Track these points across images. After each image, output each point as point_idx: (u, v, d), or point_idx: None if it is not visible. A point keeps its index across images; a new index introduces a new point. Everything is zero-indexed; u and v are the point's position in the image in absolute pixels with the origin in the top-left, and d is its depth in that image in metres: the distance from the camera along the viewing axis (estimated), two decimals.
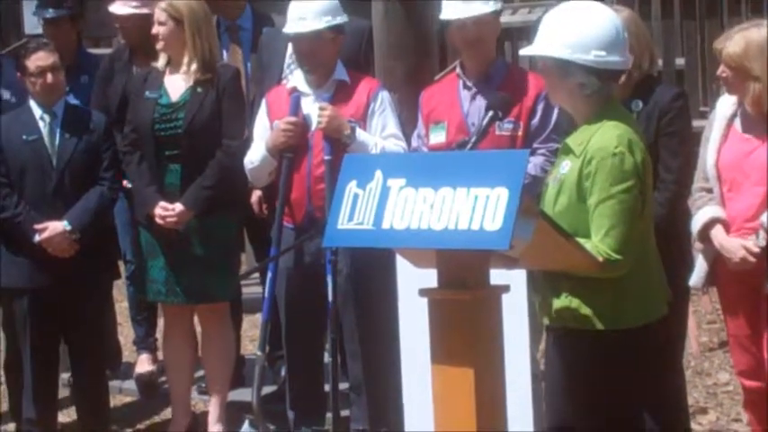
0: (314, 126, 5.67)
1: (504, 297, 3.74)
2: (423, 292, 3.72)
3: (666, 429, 5.19)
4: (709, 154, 4.93)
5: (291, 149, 5.69)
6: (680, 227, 4.99)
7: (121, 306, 7.62)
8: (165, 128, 6.09)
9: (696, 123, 5.34)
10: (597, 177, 3.92)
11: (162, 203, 6.04)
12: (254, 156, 5.82)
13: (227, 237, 6.19)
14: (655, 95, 5.02)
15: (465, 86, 5.52)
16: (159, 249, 6.18)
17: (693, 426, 5.88)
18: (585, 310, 3.94)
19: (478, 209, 3.44)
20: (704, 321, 7.61)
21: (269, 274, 5.79)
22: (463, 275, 3.62)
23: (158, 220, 6.05)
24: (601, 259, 3.84)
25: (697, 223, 4.89)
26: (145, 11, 6.72)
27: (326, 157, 5.57)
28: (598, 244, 3.87)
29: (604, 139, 3.96)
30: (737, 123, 4.95)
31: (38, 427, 6.27)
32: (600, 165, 3.92)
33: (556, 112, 5.28)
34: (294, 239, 5.59)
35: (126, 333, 7.71)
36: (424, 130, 5.60)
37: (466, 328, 3.60)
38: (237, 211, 6.28)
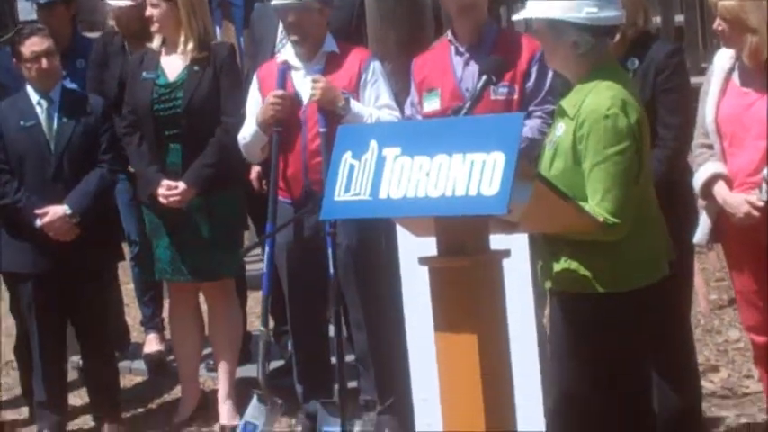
0: (306, 100, 5.65)
1: (507, 262, 3.71)
2: (423, 261, 3.70)
3: (676, 389, 5.18)
4: (708, 109, 4.87)
5: (281, 123, 5.66)
6: (683, 184, 4.95)
7: (128, 287, 7.63)
8: (164, 108, 6.08)
9: (697, 80, 5.28)
10: (590, 140, 3.89)
11: (165, 182, 6.03)
12: (246, 131, 5.79)
13: (229, 213, 6.18)
14: (650, 52, 4.97)
15: (457, 52, 5.47)
16: (163, 229, 6.19)
17: (705, 384, 5.88)
18: (585, 274, 3.92)
19: (475, 174, 3.42)
20: (713, 279, 7.57)
21: (267, 250, 5.78)
22: (462, 242, 3.60)
23: (162, 200, 6.04)
24: (601, 219, 3.81)
25: (699, 180, 4.83)
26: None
27: (322, 130, 5.54)
28: (595, 208, 3.84)
29: (597, 100, 3.93)
30: (736, 77, 4.89)
31: (49, 410, 6.29)
32: (593, 127, 3.89)
33: (551, 73, 5.23)
34: (293, 215, 5.57)
35: (134, 314, 7.71)
36: (417, 99, 5.56)
37: (467, 294, 3.58)
38: (238, 188, 6.28)
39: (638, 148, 3.92)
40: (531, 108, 5.34)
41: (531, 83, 5.39)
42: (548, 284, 4.10)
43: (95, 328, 6.36)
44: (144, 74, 6.14)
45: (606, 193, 3.85)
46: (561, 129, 4.01)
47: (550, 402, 4.28)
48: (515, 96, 5.35)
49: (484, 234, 3.63)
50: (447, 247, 3.64)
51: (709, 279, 7.53)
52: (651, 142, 4.37)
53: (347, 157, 3.73)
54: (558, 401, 4.17)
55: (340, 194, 3.71)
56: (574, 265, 3.94)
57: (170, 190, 6.03)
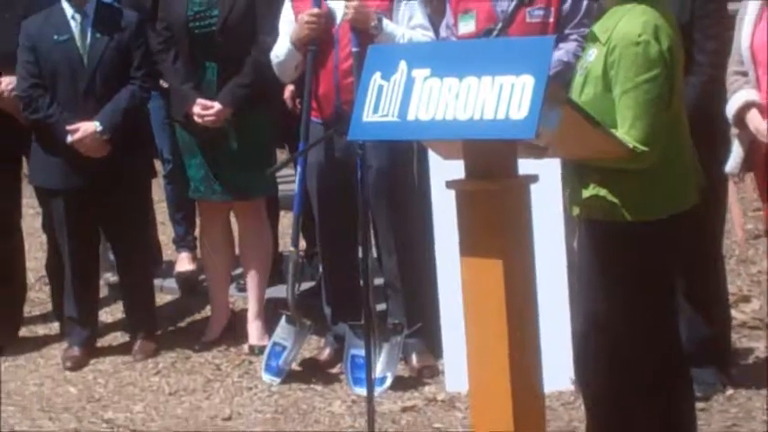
0: (339, 18, 5.59)
1: (538, 188, 3.67)
2: (450, 184, 3.66)
3: (705, 318, 5.16)
4: (743, 36, 4.76)
5: (315, 42, 5.61)
6: (717, 111, 4.87)
7: (161, 206, 7.64)
8: (200, 25, 6.04)
9: (734, 6, 5.18)
10: (621, 66, 3.81)
11: (200, 101, 6.01)
12: (280, 50, 5.75)
13: (262, 133, 6.16)
14: None
15: None
16: (196, 147, 6.19)
17: (735, 314, 5.84)
18: (613, 201, 3.87)
19: (504, 97, 3.35)
20: (750, 209, 7.46)
21: (298, 170, 5.76)
22: (490, 165, 3.55)
23: (196, 118, 6.02)
24: (631, 145, 3.75)
25: (732, 108, 4.74)
26: None
27: (354, 50, 5.49)
28: (624, 135, 3.78)
29: (629, 25, 3.84)
30: None
31: (79, 326, 6.34)
32: (623, 53, 3.81)
33: None
34: (323, 134, 5.54)
35: (168, 233, 7.73)
36: (452, 20, 5.51)
37: (494, 218, 3.54)
38: (273, 107, 6.25)
39: (669, 75, 3.84)
40: (566, 31, 5.30)
41: (567, 5, 5.33)
42: (575, 211, 4.05)
43: (131, 244, 6.39)
44: None
45: (635, 120, 3.79)
46: (593, 54, 3.93)
47: (577, 327, 4.26)
48: (551, 19, 5.30)
49: (512, 158, 3.58)
50: (474, 170, 3.60)
51: (747, 209, 7.43)
52: (687, 68, 4.30)
53: (376, 78, 3.67)
54: (584, 327, 4.14)
55: (368, 115, 3.66)
56: (602, 192, 3.88)
57: (205, 109, 6.00)
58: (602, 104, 3.84)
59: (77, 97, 6.08)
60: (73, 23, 6.12)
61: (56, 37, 6.10)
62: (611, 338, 4.04)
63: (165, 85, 6.40)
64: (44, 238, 6.98)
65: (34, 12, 6.26)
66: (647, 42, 3.80)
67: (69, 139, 6.01)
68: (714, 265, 5.26)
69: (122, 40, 6.16)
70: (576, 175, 4.00)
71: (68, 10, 6.14)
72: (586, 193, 3.93)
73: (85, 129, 6.01)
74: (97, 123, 6.02)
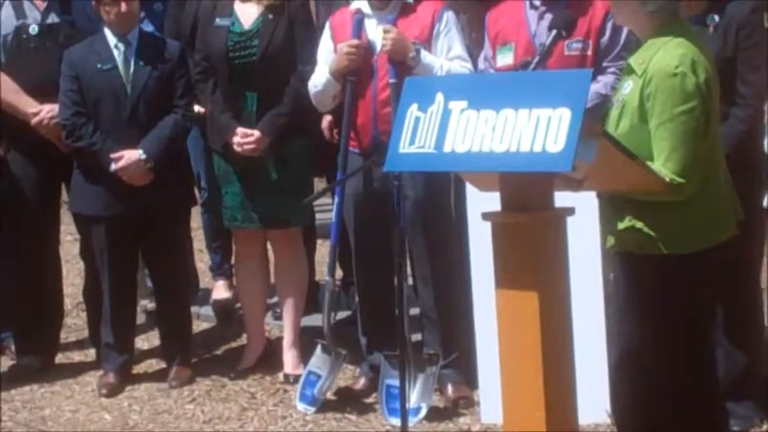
0: (378, 49, 5.62)
1: (575, 220, 3.68)
2: (486, 216, 3.67)
3: (743, 352, 5.12)
4: None
5: (354, 72, 5.64)
6: (758, 143, 4.87)
7: (198, 233, 7.68)
8: (240, 56, 6.07)
9: None
10: (657, 98, 3.82)
11: (241, 130, 6.04)
12: (318, 79, 5.78)
13: (301, 162, 6.17)
14: (729, 9, 4.90)
15: (532, 6, 5.42)
16: (233, 175, 6.22)
17: None
18: (649, 234, 3.87)
19: (541, 130, 3.37)
20: None
21: (336, 199, 5.78)
22: (526, 198, 3.57)
23: (236, 147, 6.05)
24: (668, 179, 3.75)
25: None
26: None
27: (391, 81, 5.51)
28: (660, 168, 3.78)
29: (666, 58, 3.85)
30: None
31: (116, 351, 6.37)
32: (660, 85, 3.82)
33: (626, 29, 5.16)
34: (361, 164, 5.55)
35: (205, 260, 7.76)
36: (491, 53, 5.52)
37: (530, 251, 3.55)
38: (311, 137, 6.27)
39: (705, 108, 3.85)
40: (604, 64, 5.29)
41: (605, 38, 5.34)
42: (610, 242, 4.05)
43: (170, 272, 6.41)
44: (217, 20, 6.13)
45: (672, 152, 3.79)
46: (629, 87, 3.94)
47: (612, 360, 4.25)
48: (589, 52, 5.31)
49: (548, 191, 3.60)
50: (510, 202, 3.61)
51: None
52: (730, 100, 4.29)
53: (413, 109, 3.70)
54: (619, 360, 4.13)
55: (405, 146, 3.69)
56: (638, 224, 3.88)
57: (245, 137, 6.03)
58: (639, 136, 3.85)
59: (120, 125, 6.13)
60: (116, 52, 6.18)
61: (99, 66, 6.15)
62: (646, 372, 4.03)
63: (199, 110, 6.41)
64: (82, 264, 7.02)
65: (76, 40, 6.32)
66: (684, 74, 3.81)
67: (113, 167, 6.06)
68: (753, 299, 5.23)
69: (165, 69, 6.20)
70: (610, 206, 4.00)
71: (111, 39, 6.19)
72: (621, 225, 3.94)
73: (129, 157, 6.06)
74: (141, 152, 6.07)
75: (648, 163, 3.77)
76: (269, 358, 6.46)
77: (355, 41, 5.63)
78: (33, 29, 6.38)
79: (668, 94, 3.81)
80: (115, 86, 6.15)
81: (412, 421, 5.25)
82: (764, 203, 4.84)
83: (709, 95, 3.86)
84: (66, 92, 6.17)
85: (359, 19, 5.69)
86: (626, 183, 3.79)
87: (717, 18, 4.87)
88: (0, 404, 6.14)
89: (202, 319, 7.21)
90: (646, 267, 3.90)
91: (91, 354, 6.84)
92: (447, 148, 3.57)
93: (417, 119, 3.68)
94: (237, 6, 6.14)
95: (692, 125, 3.81)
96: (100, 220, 6.22)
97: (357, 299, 6.08)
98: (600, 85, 5.10)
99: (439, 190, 5.67)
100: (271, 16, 6.06)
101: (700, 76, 3.83)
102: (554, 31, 4.14)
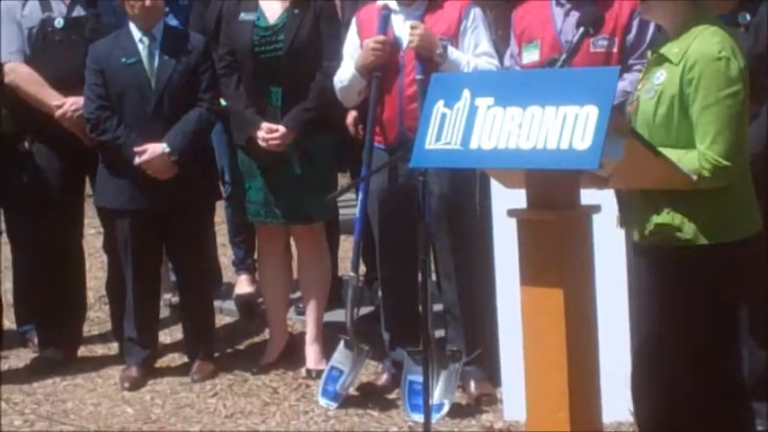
0: (405, 45, 5.61)
1: (600, 216, 3.67)
2: (511, 213, 3.66)
3: (765, 347, 5.09)
4: None
5: (380, 68, 5.64)
6: None
7: (222, 227, 7.68)
8: (266, 50, 6.07)
9: None
10: (701, 83, 3.80)
11: (266, 125, 6.04)
12: (344, 75, 5.78)
13: (325, 157, 6.18)
14: (762, 7, 4.88)
15: (558, 3, 5.42)
16: (257, 170, 6.22)
17: None
18: (689, 225, 3.84)
19: (567, 127, 3.36)
20: None
21: (360, 195, 5.77)
22: (552, 195, 3.55)
23: (261, 143, 6.05)
24: (695, 178, 3.73)
25: None
26: None
27: (418, 77, 5.50)
28: (705, 151, 3.76)
29: (705, 44, 3.84)
30: None
31: (139, 345, 6.39)
32: (704, 69, 3.80)
33: (652, 27, 5.15)
34: (386, 160, 5.55)
35: (229, 254, 7.77)
36: (516, 50, 5.51)
37: (555, 248, 3.54)
38: (335, 132, 6.27)
39: (747, 94, 3.84)
40: (630, 61, 5.28)
41: (631, 36, 5.32)
42: (640, 237, 4.01)
43: (194, 266, 6.42)
44: (242, 15, 6.13)
45: (718, 135, 3.77)
46: (662, 76, 3.91)
47: (634, 355, 4.23)
48: (615, 49, 5.30)
49: (574, 188, 3.58)
50: (536, 199, 3.60)
51: None
52: (761, 99, 4.27)
53: (440, 106, 3.69)
54: (641, 357, 4.11)
55: (431, 143, 3.68)
56: (677, 218, 3.86)
57: (270, 133, 6.03)
58: (679, 123, 3.83)
59: (145, 119, 6.14)
60: (141, 46, 6.19)
61: (124, 60, 6.17)
62: (669, 369, 4.01)
63: (223, 102, 6.41)
64: (105, 258, 7.03)
65: (101, 34, 6.34)
66: (728, 59, 3.81)
67: (137, 160, 6.07)
68: None
69: (189, 63, 6.21)
70: (645, 202, 3.97)
71: (136, 33, 6.21)
72: (659, 219, 3.90)
73: (153, 150, 6.07)
74: (165, 145, 6.08)
75: (684, 152, 3.75)
76: (291, 353, 6.47)
77: (381, 37, 5.63)
78: (59, 22, 6.40)
79: (713, 78, 3.79)
80: (140, 80, 6.16)
81: (434, 418, 5.24)
82: None
83: (747, 83, 3.85)
84: (90, 86, 6.19)
85: (385, 15, 5.69)
86: (652, 180, 3.77)
87: (749, 17, 4.85)
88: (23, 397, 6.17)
89: (225, 314, 7.23)
90: (679, 259, 3.87)
91: (113, 347, 6.87)
92: (473, 145, 3.56)
93: (444, 115, 3.67)
94: (262, 1, 6.14)
95: (737, 109, 3.80)
96: (124, 214, 6.24)
97: (380, 295, 6.08)
98: (626, 83, 5.07)
99: (464, 186, 5.66)
100: (296, 11, 6.07)
101: (740, 62, 3.83)
102: (581, 29, 4.12)
